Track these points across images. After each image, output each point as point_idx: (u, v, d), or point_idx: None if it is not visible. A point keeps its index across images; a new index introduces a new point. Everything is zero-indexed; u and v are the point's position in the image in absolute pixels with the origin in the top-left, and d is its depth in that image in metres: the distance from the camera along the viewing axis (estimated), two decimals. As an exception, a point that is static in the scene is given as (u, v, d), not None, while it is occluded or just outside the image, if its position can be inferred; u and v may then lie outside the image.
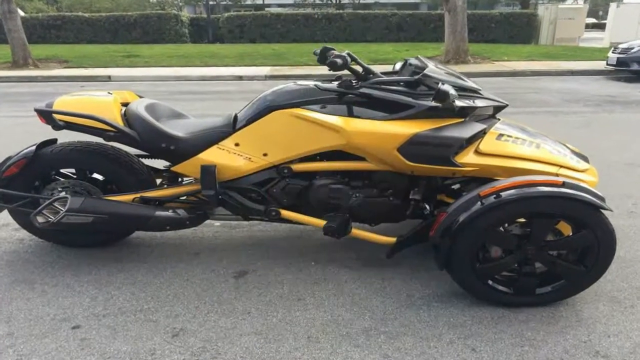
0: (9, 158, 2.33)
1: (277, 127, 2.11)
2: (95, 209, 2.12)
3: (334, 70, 1.96)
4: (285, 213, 2.23)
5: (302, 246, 2.59)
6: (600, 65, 10.34)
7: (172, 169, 2.28)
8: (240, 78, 9.72)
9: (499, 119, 2.28)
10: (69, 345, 1.79)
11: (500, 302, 2.02)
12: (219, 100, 7.17)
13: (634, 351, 1.76)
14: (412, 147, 1.96)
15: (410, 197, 2.22)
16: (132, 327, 1.90)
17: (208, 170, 2.15)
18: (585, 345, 1.79)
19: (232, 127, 2.22)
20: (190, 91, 8.17)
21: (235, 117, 2.28)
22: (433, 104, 1.96)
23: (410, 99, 2.00)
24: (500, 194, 1.82)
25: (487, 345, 1.79)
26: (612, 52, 9.62)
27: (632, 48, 9.27)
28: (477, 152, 2.05)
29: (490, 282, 2.00)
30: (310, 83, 2.17)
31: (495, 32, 16.43)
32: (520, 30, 16.42)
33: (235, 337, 1.85)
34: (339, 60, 1.92)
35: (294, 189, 2.20)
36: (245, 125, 2.18)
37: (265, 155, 2.16)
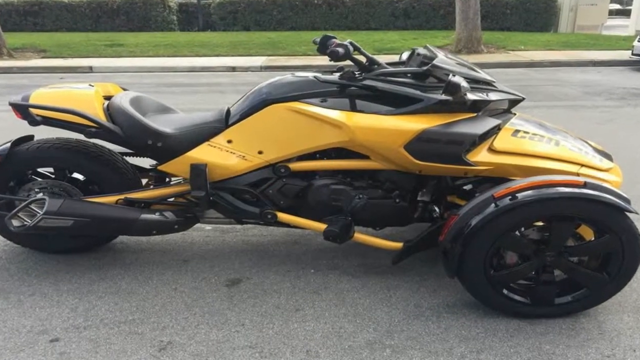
0: (-19, 156, 2.33)
1: (274, 123, 2.11)
2: (75, 211, 2.12)
3: (335, 61, 1.96)
4: (282, 216, 2.23)
5: (300, 252, 2.59)
6: (625, 55, 10.34)
7: (159, 168, 2.28)
8: (233, 69, 9.72)
9: (515, 114, 2.28)
10: (47, 359, 1.79)
11: (516, 312, 2.02)
12: (210, 93, 7.17)
13: (662, 366, 1.76)
14: (420, 144, 1.96)
15: (418, 198, 2.22)
16: (116, 340, 1.90)
17: (198, 170, 2.16)
18: (609, 360, 1.80)
19: (224, 122, 2.22)
20: (178, 83, 8.17)
21: (228, 111, 2.28)
22: (443, 97, 1.96)
23: (418, 92, 2.00)
24: (516, 195, 1.82)
25: (502, 360, 1.79)
26: (638, 41, 9.61)
27: (660, 36, 9.27)
28: (491, 150, 2.05)
29: (505, 291, 2.00)
30: (310, 74, 2.17)
31: (511, 19, 16.42)
32: (537, 17, 16.41)
33: (227, 351, 1.85)
34: (340, 50, 1.92)
35: (292, 190, 2.20)
36: (238, 121, 2.18)
37: (260, 153, 2.17)
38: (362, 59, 2.12)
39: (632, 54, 9.70)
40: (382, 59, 2.24)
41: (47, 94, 2.22)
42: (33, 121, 2.16)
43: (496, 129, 2.07)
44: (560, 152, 2.08)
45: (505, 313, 2.03)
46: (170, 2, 17.30)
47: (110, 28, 16.40)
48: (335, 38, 2.11)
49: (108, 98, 2.32)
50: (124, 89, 2.50)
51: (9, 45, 11.25)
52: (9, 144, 2.30)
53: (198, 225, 2.44)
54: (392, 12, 16.62)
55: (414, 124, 1.96)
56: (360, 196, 2.17)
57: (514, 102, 2.23)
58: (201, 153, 2.18)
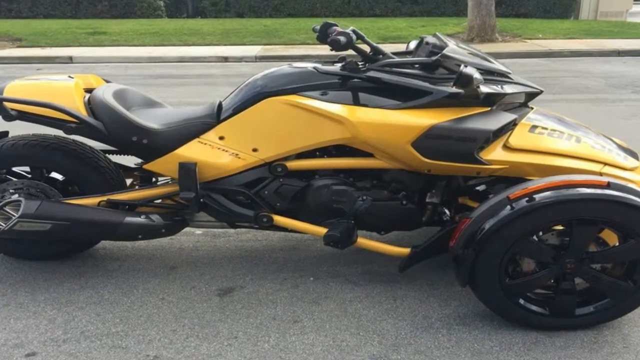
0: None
1: (270, 118, 2.11)
2: (53, 214, 2.12)
3: (336, 50, 1.96)
4: (278, 219, 2.23)
5: (298, 259, 2.59)
6: (652, 44, 10.34)
7: (144, 167, 2.28)
8: (225, 59, 9.73)
9: (532, 108, 2.28)
10: (23, 375, 1.80)
11: (534, 324, 2.02)
12: (201, 86, 7.18)
13: (692, 383, 1.76)
14: (429, 141, 1.96)
15: (427, 200, 2.22)
16: (98, 354, 1.90)
17: (187, 169, 2.16)
18: (634, 376, 1.80)
19: (215, 117, 2.22)
20: (166, 75, 8.18)
21: (220, 105, 2.29)
22: (454, 90, 1.96)
23: (426, 84, 2.00)
24: (534, 196, 1.82)
25: (518, 376, 1.80)
26: (666, 29, 9.60)
27: (690, 24, 9.26)
28: (506, 147, 2.05)
29: (521, 301, 2.00)
30: (309, 65, 2.17)
31: (528, 5, 16.43)
32: (556, 3, 16.43)
33: (219, 366, 1.85)
34: (342, 38, 1.92)
35: (290, 191, 2.20)
36: (231, 116, 2.18)
37: (255, 150, 2.17)
38: (366, 48, 2.12)
39: (660, 43, 9.69)
40: (388, 48, 2.25)
41: (22, 87, 2.22)
42: (7, 116, 2.16)
43: (512, 125, 2.07)
44: (581, 149, 2.08)
45: (521, 325, 2.03)
46: (157, -14, 17.29)
47: (91, 15, 16.39)
48: (336, 25, 2.11)
49: (89, 91, 2.32)
50: (107, 81, 2.50)
51: (-19, 34, 11.24)
52: (-19, 141, 2.29)
53: (187, 229, 2.44)
54: (398, -3, 16.62)
55: (422, 119, 1.96)
56: (364, 198, 2.17)
57: (531, 95, 2.23)
58: (190, 151, 2.18)
